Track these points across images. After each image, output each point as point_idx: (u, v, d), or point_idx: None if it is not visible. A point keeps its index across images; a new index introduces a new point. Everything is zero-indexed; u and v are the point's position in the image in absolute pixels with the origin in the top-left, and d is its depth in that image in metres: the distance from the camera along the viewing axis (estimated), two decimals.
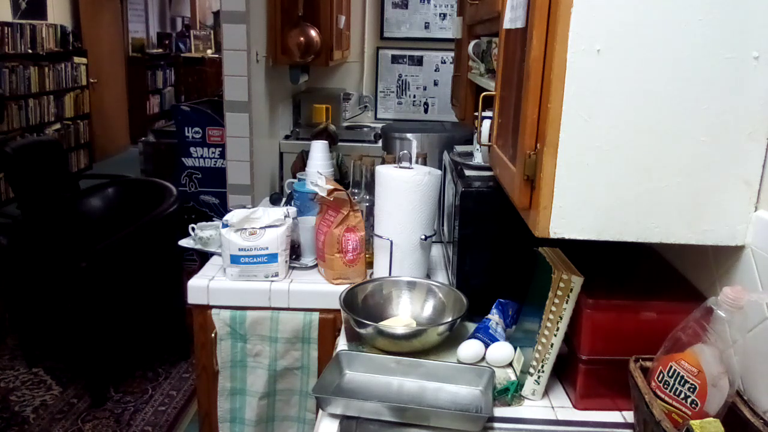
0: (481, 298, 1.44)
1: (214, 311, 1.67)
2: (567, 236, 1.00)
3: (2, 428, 2.62)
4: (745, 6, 0.91)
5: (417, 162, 1.76)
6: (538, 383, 1.19)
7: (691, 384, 0.90)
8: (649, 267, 1.29)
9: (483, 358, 1.33)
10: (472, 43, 2.02)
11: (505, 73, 1.30)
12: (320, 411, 1.18)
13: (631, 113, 0.95)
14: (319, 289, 1.69)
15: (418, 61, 4.08)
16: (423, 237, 1.61)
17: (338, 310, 1.58)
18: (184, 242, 1.95)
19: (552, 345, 1.15)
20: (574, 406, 1.18)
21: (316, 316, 1.66)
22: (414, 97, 4.13)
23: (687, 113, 0.95)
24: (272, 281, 1.69)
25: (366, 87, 4.12)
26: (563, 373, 1.23)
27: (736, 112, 0.95)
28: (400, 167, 1.63)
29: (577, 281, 1.10)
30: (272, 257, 1.68)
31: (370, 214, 1.78)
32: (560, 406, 1.19)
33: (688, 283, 1.19)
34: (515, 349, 1.31)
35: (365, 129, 3.81)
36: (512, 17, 1.19)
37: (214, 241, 1.88)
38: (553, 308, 1.13)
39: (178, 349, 3.24)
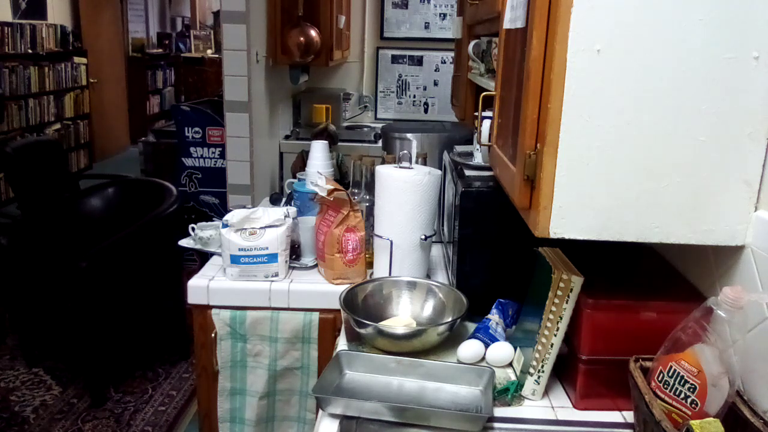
0: (481, 298, 1.44)
1: (214, 311, 1.67)
2: (567, 236, 1.00)
3: (2, 428, 2.62)
4: (745, 6, 0.91)
5: (417, 162, 1.76)
6: (538, 383, 1.19)
7: (691, 384, 0.90)
8: (649, 267, 1.29)
9: (483, 358, 1.33)
10: (472, 43, 2.02)
11: (505, 73, 1.30)
12: (320, 411, 1.18)
13: (631, 113, 0.95)
14: (319, 289, 1.69)
15: (418, 61, 4.08)
16: (423, 237, 1.61)
17: (338, 310, 1.58)
18: (184, 242, 1.95)
19: (552, 345, 1.15)
20: (574, 406, 1.18)
21: (316, 316, 1.66)
22: (414, 97, 4.13)
23: (687, 113, 0.95)
24: (272, 281, 1.69)
25: (366, 87, 4.12)
26: (563, 373, 1.23)
27: (736, 112, 0.95)
28: (400, 167, 1.63)
29: (577, 281, 1.10)
30: (272, 257, 1.68)
31: (370, 214, 1.78)
32: (560, 406, 1.19)
33: (688, 283, 1.19)
34: (515, 349, 1.31)
35: (365, 129, 3.81)
36: (512, 17, 1.19)
37: (214, 241, 1.88)
38: (553, 308, 1.13)
39: (178, 349, 3.24)
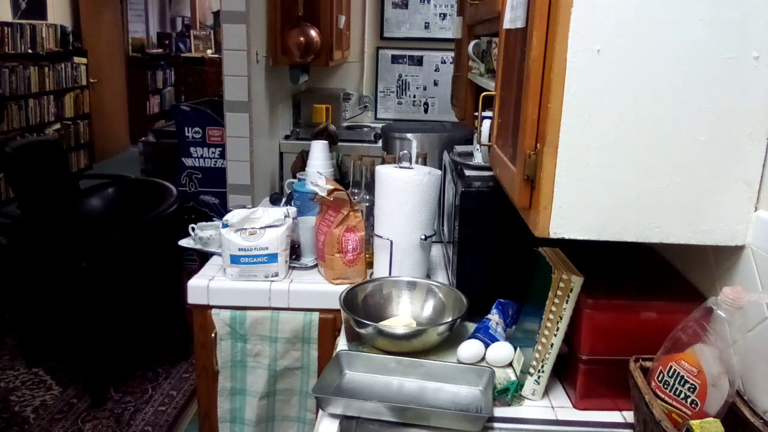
0: (481, 298, 1.44)
1: (214, 311, 1.67)
2: (567, 236, 1.00)
3: (2, 428, 2.62)
4: (745, 6, 0.91)
5: (417, 162, 1.76)
6: (538, 383, 1.19)
7: (691, 384, 0.90)
8: (649, 267, 1.29)
9: (483, 358, 1.33)
10: (472, 43, 2.02)
11: (505, 73, 1.30)
12: (320, 411, 1.18)
13: (631, 113, 0.95)
14: (319, 289, 1.69)
15: (418, 61, 4.07)
16: (423, 237, 1.61)
17: (338, 310, 1.58)
18: (184, 242, 1.95)
19: (552, 345, 1.15)
20: (574, 406, 1.18)
21: (316, 316, 1.66)
22: (414, 97, 4.13)
23: (687, 113, 0.95)
24: (272, 281, 1.69)
25: (366, 87, 4.12)
26: (563, 373, 1.23)
27: (736, 112, 0.95)
28: (400, 167, 1.63)
29: (577, 281, 1.10)
30: (272, 257, 1.68)
31: (370, 214, 1.78)
32: (560, 406, 1.19)
33: (688, 283, 1.19)
34: (515, 349, 1.31)
35: (365, 129, 3.81)
36: (512, 17, 1.19)
37: (214, 241, 1.88)
38: (553, 308, 1.13)
39: (178, 349, 3.24)
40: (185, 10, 9.67)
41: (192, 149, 3.77)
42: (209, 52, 7.89)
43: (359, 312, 1.45)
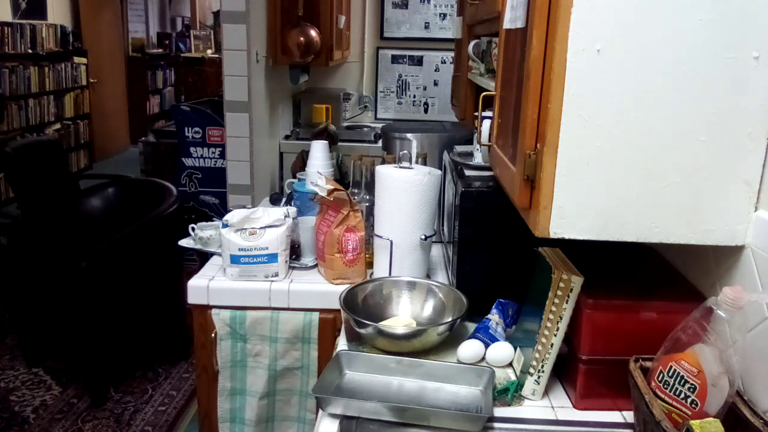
0: (481, 298, 1.44)
1: (214, 311, 1.67)
2: (567, 236, 1.00)
3: (2, 428, 2.62)
4: (745, 6, 0.91)
5: (417, 162, 1.76)
6: (538, 383, 1.19)
7: (691, 384, 0.90)
8: (649, 267, 1.29)
9: (483, 358, 1.33)
10: (472, 43, 2.02)
11: (505, 73, 1.30)
12: (320, 411, 1.18)
13: (631, 113, 0.95)
14: (319, 289, 1.69)
15: (418, 61, 4.08)
16: (423, 237, 1.61)
17: (338, 310, 1.58)
18: (184, 242, 1.95)
19: (552, 345, 1.15)
20: (574, 406, 1.18)
21: (316, 316, 1.66)
22: (414, 97, 4.13)
23: (687, 113, 0.95)
24: (272, 281, 1.69)
25: (366, 87, 4.13)
26: (563, 373, 1.23)
27: (736, 112, 0.95)
28: (400, 167, 1.63)
29: (577, 281, 1.10)
30: (272, 257, 1.68)
31: (370, 214, 1.78)
32: (560, 406, 1.19)
33: (688, 283, 1.19)
34: (515, 349, 1.31)
35: (365, 129, 3.81)
36: (512, 17, 1.19)
37: (214, 241, 1.88)
38: (553, 308, 1.13)
39: (178, 349, 3.24)
40: (185, 10, 9.67)
41: (192, 149, 3.77)
42: (209, 52, 7.90)
43: (359, 312, 1.45)
